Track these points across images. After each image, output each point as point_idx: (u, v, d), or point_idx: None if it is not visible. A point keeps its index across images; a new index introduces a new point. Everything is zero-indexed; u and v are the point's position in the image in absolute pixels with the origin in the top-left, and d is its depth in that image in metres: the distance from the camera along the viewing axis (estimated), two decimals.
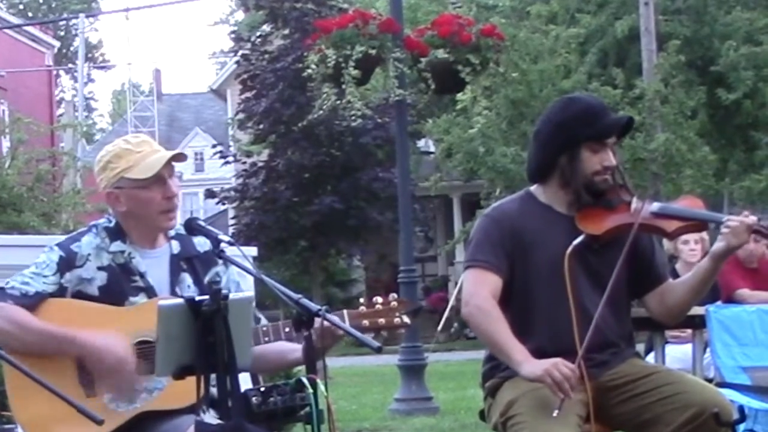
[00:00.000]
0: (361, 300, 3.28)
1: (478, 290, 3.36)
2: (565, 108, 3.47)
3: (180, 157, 3.26)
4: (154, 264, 3.26)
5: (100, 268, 3.20)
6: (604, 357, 3.41)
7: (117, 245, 3.24)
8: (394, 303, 3.23)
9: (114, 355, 3.07)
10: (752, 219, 3.29)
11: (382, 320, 3.19)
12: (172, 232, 3.31)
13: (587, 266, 3.40)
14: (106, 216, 3.34)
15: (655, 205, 3.39)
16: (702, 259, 3.66)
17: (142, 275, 3.23)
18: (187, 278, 3.27)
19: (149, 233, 3.28)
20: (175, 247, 3.30)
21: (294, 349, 3.17)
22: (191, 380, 2.77)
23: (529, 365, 3.20)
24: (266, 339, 3.15)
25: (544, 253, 3.40)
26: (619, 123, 3.47)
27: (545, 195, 3.50)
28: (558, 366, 3.14)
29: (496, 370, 3.43)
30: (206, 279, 3.30)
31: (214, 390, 2.83)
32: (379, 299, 3.24)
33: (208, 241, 3.29)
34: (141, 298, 3.20)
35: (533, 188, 3.56)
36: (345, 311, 3.18)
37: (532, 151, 3.56)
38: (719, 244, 3.31)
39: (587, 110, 3.43)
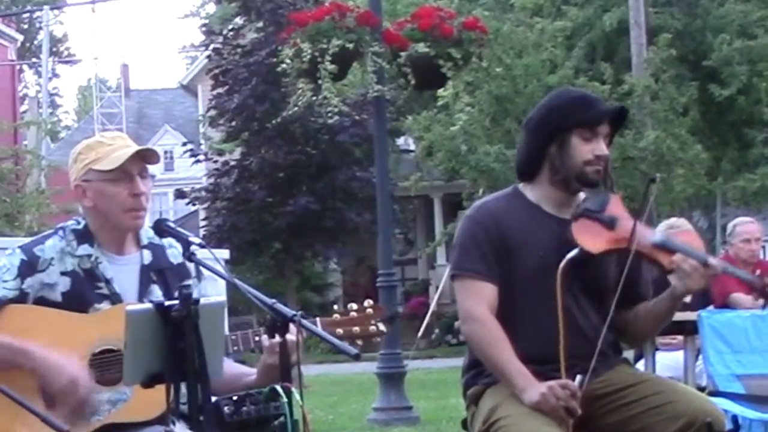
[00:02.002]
0: (335, 307, 3.30)
1: (474, 306, 3.30)
2: (558, 95, 3.53)
3: (152, 157, 3.22)
4: (122, 271, 3.22)
5: (63, 273, 3.16)
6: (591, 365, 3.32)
7: (84, 249, 3.20)
8: (369, 310, 3.24)
9: (67, 374, 3.03)
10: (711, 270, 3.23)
11: (356, 328, 3.22)
12: (144, 240, 3.27)
13: (575, 274, 3.31)
14: (74, 218, 3.30)
15: (658, 236, 3.35)
16: None
17: (107, 281, 3.18)
18: (156, 290, 3.23)
19: (116, 235, 3.24)
20: (147, 257, 3.27)
21: (249, 372, 3.19)
22: (157, 391, 2.69)
23: (529, 393, 3.18)
24: (235, 348, 3.15)
25: (531, 256, 3.33)
26: (611, 110, 3.45)
27: (534, 193, 3.43)
28: (554, 391, 3.13)
29: (479, 377, 3.38)
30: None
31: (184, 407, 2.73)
32: (354, 306, 3.25)
33: (181, 253, 3.24)
34: (106, 306, 3.16)
35: (522, 185, 3.49)
36: (318, 320, 3.20)
37: (522, 142, 3.53)
38: (678, 286, 3.29)
39: (579, 97, 3.45)
